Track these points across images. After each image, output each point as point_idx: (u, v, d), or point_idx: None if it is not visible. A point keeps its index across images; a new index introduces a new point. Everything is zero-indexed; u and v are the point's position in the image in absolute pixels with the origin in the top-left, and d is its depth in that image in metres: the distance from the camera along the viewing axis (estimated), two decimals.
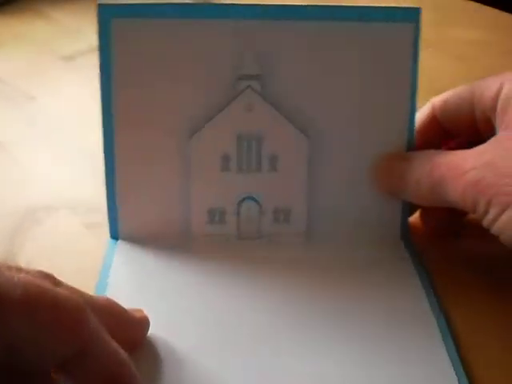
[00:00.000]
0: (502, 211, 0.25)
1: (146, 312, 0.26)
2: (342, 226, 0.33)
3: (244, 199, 0.32)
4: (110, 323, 0.22)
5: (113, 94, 0.30)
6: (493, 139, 0.27)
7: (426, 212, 0.33)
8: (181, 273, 0.31)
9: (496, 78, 0.29)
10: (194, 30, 0.30)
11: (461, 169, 0.27)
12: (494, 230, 0.26)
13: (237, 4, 0.30)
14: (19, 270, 0.20)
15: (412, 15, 0.31)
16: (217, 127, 0.31)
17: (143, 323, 0.26)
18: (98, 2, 0.29)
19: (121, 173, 0.31)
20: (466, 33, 0.57)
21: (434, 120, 0.32)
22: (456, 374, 0.26)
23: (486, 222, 0.26)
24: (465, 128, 0.31)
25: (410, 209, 0.33)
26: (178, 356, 0.26)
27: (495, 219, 0.25)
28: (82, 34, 0.54)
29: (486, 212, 0.26)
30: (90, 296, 0.23)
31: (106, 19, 0.29)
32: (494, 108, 0.29)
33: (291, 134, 0.31)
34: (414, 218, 0.34)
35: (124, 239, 0.32)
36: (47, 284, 0.19)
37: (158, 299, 0.29)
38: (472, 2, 0.63)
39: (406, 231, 0.33)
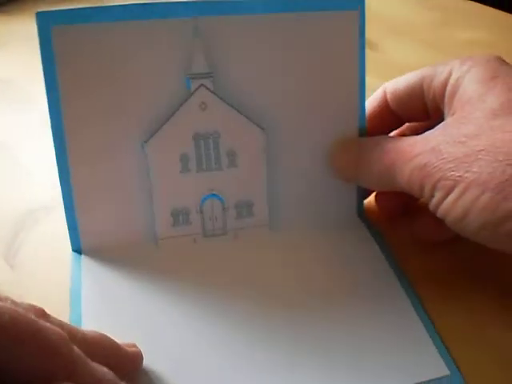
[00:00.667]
0: (446, 195, 0.26)
1: (125, 327, 0.26)
2: (303, 213, 0.34)
3: (206, 197, 0.32)
4: (101, 357, 0.22)
5: (61, 105, 0.29)
6: (440, 125, 0.28)
7: (380, 195, 0.35)
8: (151, 280, 0.30)
9: (445, 65, 0.30)
10: (139, 31, 0.29)
11: (408, 154, 0.27)
12: (439, 213, 0.27)
13: (181, 1, 0.29)
14: (11, 301, 0.20)
15: (356, 2, 0.31)
16: (173, 128, 0.30)
17: (136, 357, 0.25)
18: (37, 11, 0.28)
19: (77, 183, 0.30)
20: (466, 33, 0.57)
21: (385, 106, 0.33)
22: (427, 331, 0.28)
23: (431, 206, 0.27)
24: (416, 114, 0.32)
25: (365, 191, 0.35)
26: (162, 364, 0.26)
27: (440, 203, 0.26)
28: None
29: (432, 196, 0.27)
30: (82, 331, 0.23)
31: (46, 27, 0.27)
32: (442, 95, 0.29)
33: (247, 129, 0.31)
34: (370, 201, 0.35)
35: (87, 252, 0.31)
36: (34, 316, 0.19)
37: (133, 312, 0.28)
38: (472, 2, 0.63)
39: (362, 211, 0.35)
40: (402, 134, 0.34)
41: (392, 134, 0.35)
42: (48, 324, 0.20)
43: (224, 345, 0.27)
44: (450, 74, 0.29)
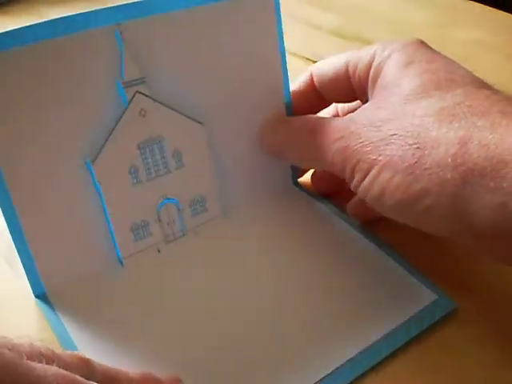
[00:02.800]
0: (364, 177, 0.27)
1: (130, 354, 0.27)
2: (248, 195, 0.35)
3: (161, 204, 0.32)
4: None
5: None
6: (360, 109, 0.29)
7: (315, 177, 0.37)
8: (129, 300, 0.30)
9: (369, 50, 0.31)
10: (58, 49, 0.27)
11: (331, 136, 0.28)
12: (359, 193, 0.28)
13: (98, 10, 0.28)
14: (52, 358, 0.20)
15: None
16: (116, 142, 0.30)
17: None
18: None
19: (27, 226, 0.28)
20: (466, 33, 0.57)
21: (311, 87, 0.34)
22: (402, 268, 0.31)
23: (352, 187, 0.28)
24: (342, 96, 0.33)
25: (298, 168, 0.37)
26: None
27: (359, 184, 0.27)
28: None
29: (352, 177, 0.28)
30: (126, 374, 0.23)
31: None
32: (366, 79, 0.30)
33: (187, 126, 0.32)
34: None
35: (52, 293, 0.30)
36: (79, 377, 0.19)
37: (128, 337, 0.28)
38: (473, 3, 0.63)
39: (297, 180, 0.37)
40: (335, 115, 0.36)
41: (323, 113, 0.36)
42: (91, 382, 0.19)
43: (216, 347, 0.27)
44: (373, 59, 0.30)
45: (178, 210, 0.33)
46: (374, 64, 0.30)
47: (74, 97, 0.28)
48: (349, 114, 0.29)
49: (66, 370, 0.19)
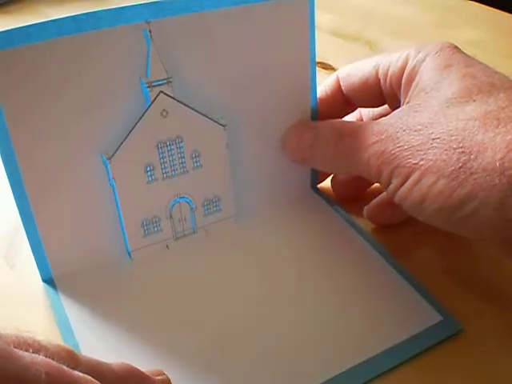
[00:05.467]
0: (403, 182, 0.26)
1: (124, 346, 0.27)
2: (264, 197, 0.35)
3: (174, 202, 0.32)
4: None
5: (10, 132, 0.26)
6: (396, 112, 0.28)
7: (335, 182, 0.36)
8: (133, 293, 0.30)
9: (400, 53, 0.30)
10: (85, 45, 0.26)
11: (365, 140, 0.28)
12: (396, 199, 0.27)
13: (129, 6, 0.27)
14: (38, 347, 0.20)
15: None
16: (135, 141, 0.29)
17: None
18: None
19: (38, 211, 0.28)
20: (466, 33, 0.57)
21: (338, 92, 0.33)
22: (410, 285, 0.30)
23: (389, 192, 0.28)
24: (370, 100, 0.33)
25: (318, 173, 0.37)
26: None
27: (397, 189, 0.27)
28: None
29: (389, 182, 0.27)
30: (110, 367, 0.23)
31: None
32: (399, 83, 0.30)
33: (209, 128, 0.31)
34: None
35: (59, 279, 0.30)
36: (66, 367, 0.19)
37: (126, 329, 0.28)
38: (472, 2, 0.63)
39: (315, 184, 0.37)
40: (359, 120, 0.35)
41: (347, 118, 0.35)
42: (80, 374, 0.19)
43: (216, 342, 0.28)
44: (406, 63, 0.29)
45: (191, 208, 0.32)
46: (408, 68, 0.29)
47: (96, 91, 0.28)
48: (382, 118, 0.29)
49: (52, 360, 0.19)
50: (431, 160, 0.25)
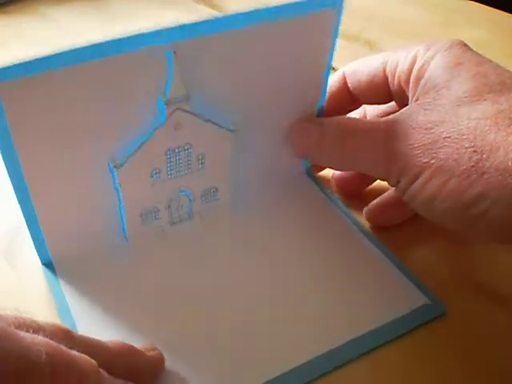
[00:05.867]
0: (413, 180, 0.26)
1: (121, 325, 0.27)
2: (260, 185, 0.35)
3: (175, 195, 0.32)
4: (125, 368, 0.23)
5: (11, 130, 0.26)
6: (404, 110, 0.28)
7: (337, 180, 0.36)
8: (130, 274, 0.31)
9: (409, 50, 0.30)
10: (105, 71, 0.26)
11: (374, 138, 0.28)
12: (405, 197, 0.27)
13: (153, 31, 0.26)
14: (37, 328, 0.20)
15: (337, 1, 0.30)
16: (145, 152, 0.30)
17: (158, 361, 0.26)
18: None
19: (37, 197, 0.28)
20: (467, 33, 0.57)
21: (344, 89, 0.33)
22: (397, 268, 0.32)
23: (397, 190, 0.28)
24: (376, 97, 0.32)
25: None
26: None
27: (406, 188, 0.27)
28: (82, 34, 0.54)
29: (398, 181, 0.27)
30: (105, 344, 0.24)
31: None
32: (407, 81, 0.29)
33: (218, 134, 0.31)
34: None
35: (58, 262, 0.31)
36: (63, 346, 0.20)
37: (123, 309, 0.29)
38: (472, 2, 0.63)
39: (309, 170, 0.38)
40: (363, 117, 0.35)
41: (351, 114, 0.35)
42: (77, 354, 0.20)
43: (211, 323, 0.28)
44: (415, 60, 0.29)
45: (190, 200, 0.33)
46: (417, 65, 0.29)
47: (111, 107, 0.27)
48: (390, 116, 0.28)
49: (51, 340, 0.19)
50: (442, 159, 0.25)
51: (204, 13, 0.60)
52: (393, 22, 0.59)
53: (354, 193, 0.36)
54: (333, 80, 0.33)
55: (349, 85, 0.33)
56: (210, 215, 0.34)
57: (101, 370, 0.21)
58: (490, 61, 0.28)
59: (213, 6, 0.62)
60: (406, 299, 0.30)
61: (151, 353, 0.26)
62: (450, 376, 0.27)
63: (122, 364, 0.23)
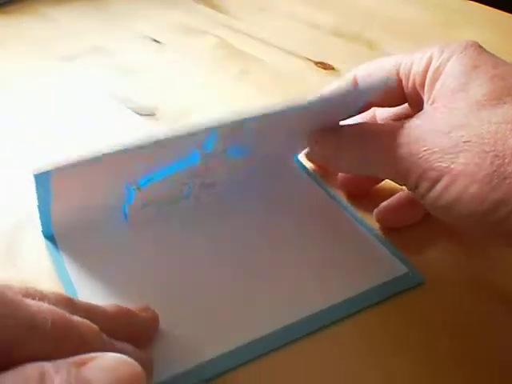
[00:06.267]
0: (432, 186, 0.26)
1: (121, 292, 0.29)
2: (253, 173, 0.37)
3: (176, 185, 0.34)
4: (122, 332, 0.24)
5: None
6: (420, 114, 0.28)
7: (345, 182, 0.37)
8: (129, 246, 0.32)
9: (423, 53, 0.30)
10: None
11: (392, 143, 0.27)
12: (426, 202, 0.27)
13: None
14: (41, 296, 0.22)
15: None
16: (169, 181, 0.31)
17: (153, 321, 0.27)
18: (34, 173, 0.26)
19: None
20: (467, 33, 0.57)
21: (353, 90, 0.32)
22: (376, 239, 0.33)
23: (416, 195, 0.27)
24: (389, 100, 0.32)
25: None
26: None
27: (425, 193, 0.26)
28: (82, 34, 0.54)
29: (417, 186, 0.27)
30: (102, 308, 0.25)
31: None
32: (423, 83, 0.29)
33: (236, 162, 0.33)
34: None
35: (60, 236, 0.32)
36: (67, 313, 0.21)
37: (122, 277, 0.30)
38: (472, 2, 0.63)
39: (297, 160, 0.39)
40: (372, 119, 0.35)
41: (360, 117, 0.35)
42: (80, 319, 0.21)
43: (205, 289, 0.30)
44: (429, 62, 0.29)
45: (189, 188, 0.34)
46: (432, 67, 0.29)
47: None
48: (407, 120, 0.28)
49: (55, 307, 0.20)
50: (462, 164, 0.25)
51: (204, 13, 0.60)
52: (393, 21, 0.59)
53: (362, 193, 0.36)
54: (342, 82, 0.33)
55: (360, 88, 0.32)
56: (206, 197, 0.35)
57: (103, 335, 0.22)
58: (506, 62, 0.28)
59: (213, 6, 0.62)
60: (386, 269, 0.31)
61: (145, 313, 0.27)
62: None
63: (119, 326, 0.25)
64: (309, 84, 0.48)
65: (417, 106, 0.30)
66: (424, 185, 0.26)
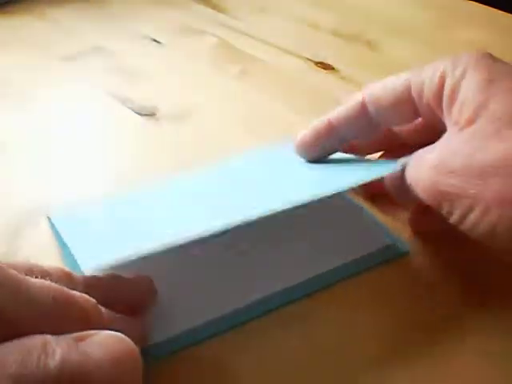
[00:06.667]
0: (466, 213, 0.25)
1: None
2: None
3: None
4: (119, 303, 0.25)
5: None
6: (447, 138, 0.27)
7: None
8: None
9: (434, 70, 0.28)
10: None
11: (421, 170, 0.27)
12: (463, 229, 0.26)
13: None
14: (43, 272, 0.23)
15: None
16: None
17: (149, 289, 0.28)
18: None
19: None
20: (466, 33, 0.57)
21: (362, 113, 0.31)
22: (362, 212, 0.34)
23: (452, 222, 0.26)
24: (402, 121, 0.31)
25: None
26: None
27: (461, 220, 0.26)
28: (82, 34, 0.54)
29: (451, 213, 0.26)
30: (98, 279, 0.26)
31: None
32: (438, 103, 0.28)
33: None
34: None
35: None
36: (66, 288, 0.21)
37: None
38: (472, 2, 0.63)
39: None
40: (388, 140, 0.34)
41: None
42: (79, 294, 0.22)
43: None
44: (443, 80, 0.28)
45: None
46: (447, 86, 0.27)
47: None
48: (433, 146, 0.27)
49: (56, 283, 0.21)
50: (495, 190, 0.24)
51: (204, 13, 0.60)
52: (393, 21, 0.59)
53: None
54: (349, 104, 0.32)
55: (370, 110, 0.31)
56: None
57: (99, 306, 0.22)
58: None
59: (213, 6, 0.62)
60: (370, 240, 0.32)
61: (141, 282, 0.28)
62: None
63: (116, 297, 0.26)
64: (309, 84, 0.48)
65: (433, 122, 0.29)
66: (458, 212, 0.26)
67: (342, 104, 0.32)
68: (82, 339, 0.20)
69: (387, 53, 0.53)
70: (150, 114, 0.43)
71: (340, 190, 0.29)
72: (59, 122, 0.42)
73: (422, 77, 0.29)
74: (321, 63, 0.51)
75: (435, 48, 0.54)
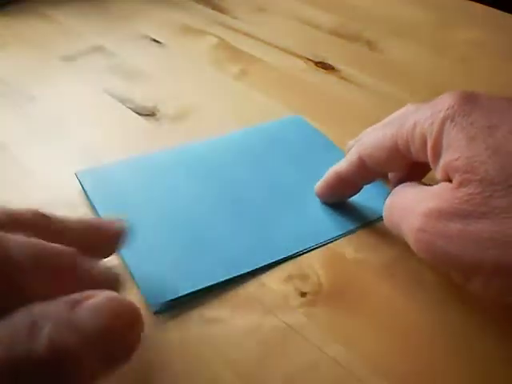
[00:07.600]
0: (467, 280, 0.25)
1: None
2: None
3: None
4: (91, 247, 0.24)
5: None
6: (438, 193, 0.26)
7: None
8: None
9: (414, 125, 0.27)
10: None
11: (411, 224, 0.26)
12: (474, 292, 0.25)
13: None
14: (8, 214, 0.22)
15: None
16: None
17: (119, 232, 0.26)
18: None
19: None
20: (465, 33, 0.57)
21: (361, 168, 0.32)
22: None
23: (460, 283, 0.26)
24: (397, 170, 0.32)
25: None
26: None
27: (464, 284, 0.25)
28: (82, 35, 0.54)
29: (454, 276, 0.26)
30: (77, 223, 0.25)
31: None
32: (425, 156, 0.27)
33: None
34: None
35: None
36: (44, 242, 0.21)
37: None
38: (472, 2, 0.63)
39: None
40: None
41: None
42: (60, 247, 0.21)
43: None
44: (424, 138, 0.27)
45: None
46: (429, 145, 0.27)
47: None
48: (425, 197, 0.26)
49: (34, 230, 0.21)
50: (493, 260, 0.23)
51: (204, 13, 0.60)
52: (393, 21, 0.59)
53: None
54: (350, 162, 0.32)
55: (367, 165, 0.31)
56: None
57: (78, 256, 0.22)
58: (497, 111, 0.25)
59: (213, 6, 0.62)
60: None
61: (113, 229, 0.26)
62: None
63: (86, 243, 0.24)
64: (309, 84, 0.48)
65: (425, 164, 0.29)
66: (458, 278, 0.25)
67: (345, 159, 0.33)
68: (76, 304, 0.19)
69: (387, 53, 0.53)
70: (150, 113, 0.43)
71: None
72: (59, 122, 0.42)
73: (404, 134, 0.28)
74: (321, 63, 0.51)
75: (435, 48, 0.54)
